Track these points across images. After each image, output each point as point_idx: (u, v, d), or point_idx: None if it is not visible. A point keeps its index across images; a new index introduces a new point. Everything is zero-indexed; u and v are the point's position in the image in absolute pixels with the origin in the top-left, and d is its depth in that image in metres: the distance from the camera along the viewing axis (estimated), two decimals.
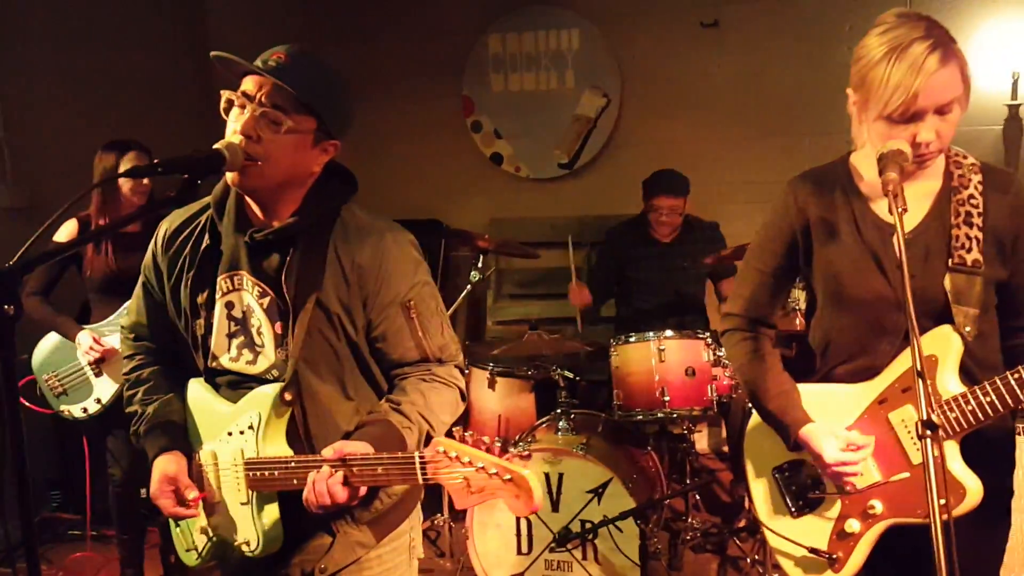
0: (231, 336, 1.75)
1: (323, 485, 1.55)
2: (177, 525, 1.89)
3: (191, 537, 1.86)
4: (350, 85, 1.71)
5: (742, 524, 3.73)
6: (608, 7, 5.01)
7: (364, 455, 1.56)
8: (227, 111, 1.63)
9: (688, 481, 3.74)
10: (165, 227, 1.82)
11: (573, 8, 5.05)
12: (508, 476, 1.43)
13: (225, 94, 1.62)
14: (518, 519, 3.22)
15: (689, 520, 3.73)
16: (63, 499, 4.43)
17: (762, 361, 1.92)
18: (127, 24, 4.93)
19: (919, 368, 1.40)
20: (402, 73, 5.39)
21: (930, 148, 1.63)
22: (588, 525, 3.11)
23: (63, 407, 3.43)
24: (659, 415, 3.44)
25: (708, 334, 3.53)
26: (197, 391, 1.82)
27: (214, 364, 1.77)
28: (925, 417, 1.37)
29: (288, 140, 1.60)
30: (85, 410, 3.39)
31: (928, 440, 1.36)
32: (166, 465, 1.75)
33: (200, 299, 1.74)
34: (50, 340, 3.44)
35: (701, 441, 4.84)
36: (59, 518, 4.36)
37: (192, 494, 1.74)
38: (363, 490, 1.59)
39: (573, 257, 4.18)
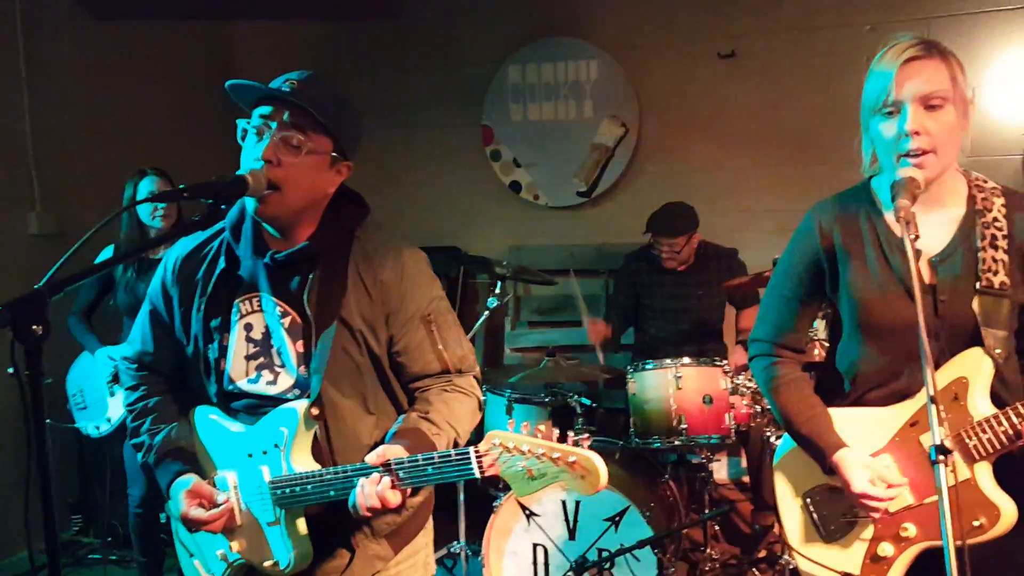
0: (250, 358, 1.77)
1: (372, 488, 1.58)
2: (192, 555, 1.90)
3: (208, 566, 1.87)
4: (361, 109, 1.76)
5: (762, 555, 3.70)
6: (625, 38, 5.07)
7: (411, 457, 1.59)
8: (243, 139, 1.67)
9: (707, 511, 3.71)
10: (175, 255, 1.84)
11: (591, 39, 5.11)
12: (572, 458, 1.46)
13: (242, 123, 1.67)
14: (535, 546, 3.22)
15: (708, 551, 3.70)
16: (84, 523, 4.48)
17: (791, 385, 1.92)
18: (155, 56, 5.06)
19: (931, 393, 1.41)
20: (423, 103, 5.48)
21: (920, 144, 1.64)
22: (605, 554, 3.11)
23: (81, 423, 3.53)
24: (676, 443, 3.42)
25: (726, 362, 3.52)
26: (207, 417, 1.84)
27: (231, 388, 1.79)
28: (937, 442, 1.37)
29: (308, 162, 1.65)
30: (97, 427, 3.49)
31: (942, 465, 1.36)
32: (183, 483, 1.77)
33: (215, 323, 1.76)
34: (84, 357, 3.57)
35: (720, 470, 4.81)
36: (80, 542, 4.40)
37: (221, 497, 1.76)
38: (408, 492, 1.63)
39: (580, 291, 4.14)
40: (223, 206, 1.56)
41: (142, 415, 1.89)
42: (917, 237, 1.53)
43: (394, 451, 1.61)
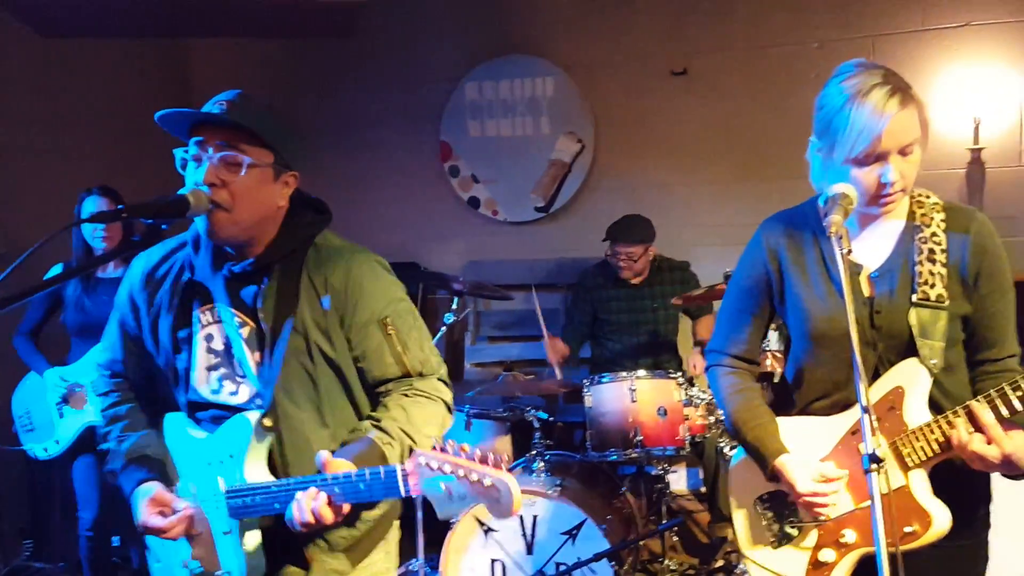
0: (211, 368, 1.78)
1: (308, 503, 1.57)
2: (159, 560, 1.90)
3: (172, 573, 1.86)
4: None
5: (719, 564, 3.73)
6: (580, 56, 5.13)
7: (345, 472, 1.58)
8: (183, 168, 1.67)
9: (664, 522, 3.74)
10: (142, 263, 1.85)
11: (547, 57, 5.17)
12: (488, 481, 1.44)
13: (180, 152, 1.67)
14: (493, 562, 3.22)
15: (666, 562, 3.72)
16: (35, 548, 4.38)
17: (742, 394, 1.97)
18: (108, 74, 5.00)
19: (865, 403, 1.45)
20: (382, 120, 5.48)
21: (895, 188, 1.69)
22: (563, 567, 3.12)
23: (29, 445, 3.47)
24: (632, 455, 3.45)
25: (680, 374, 3.56)
26: (174, 425, 1.85)
27: (195, 398, 1.80)
28: (870, 451, 1.41)
29: (251, 178, 1.65)
30: (46, 450, 3.44)
31: (874, 474, 1.40)
32: (146, 491, 1.77)
33: (181, 334, 1.78)
34: (31, 378, 3.50)
35: (679, 481, 4.84)
36: (31, 567, 4.30)
37: (180, 504, 1.76)
38: (347, 508, 1.61)
39: (539, 306, 4.11)
40: (164, 226, 1.56)
41: (112, 421, 1.90)
42: (850, 251, 1.58)
43: (335, 465, 1.60)
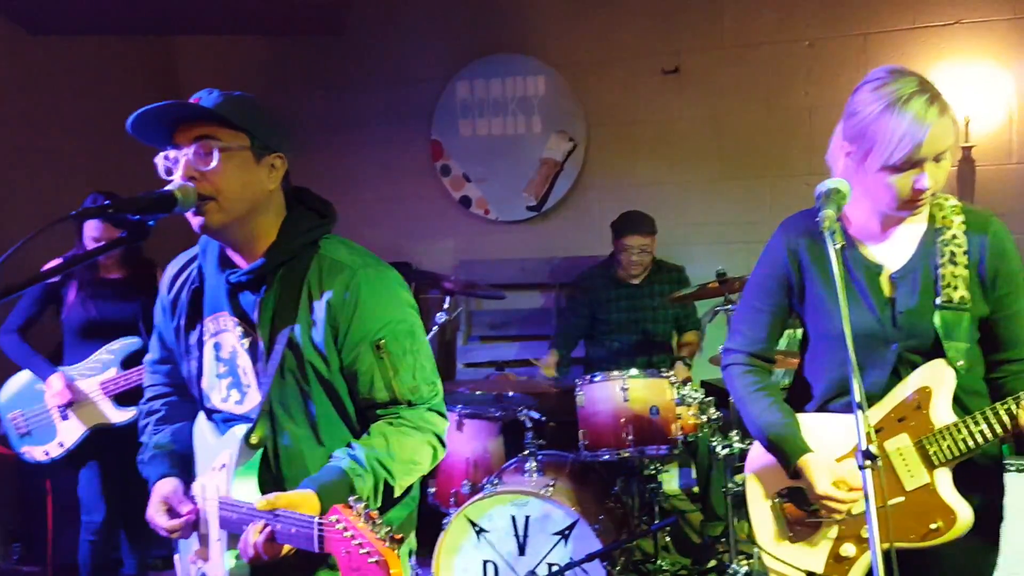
0: (221, 377, 1.77)
1: (253, 538, 1.52)
2: (178, 552, 1.90)
3: (184, 568, 1.87)
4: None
5: (711, 564, 3.73)
6: (572, 55, 5.13)
7: (272, 509, 1.51)
8: (170, 173, 1.63)
9: (657, 522, 3.73)
10: (170, 270, 1.87)
11: (537, 56, 5.17)
12: (375, 558, 1.34)
13: (159, 161, 1.64)
14: (485, 563, 3.20)
15: (658, 562, 3.71)
16: (24, 551, 4.34)
17: (762, 393, 1.99)
18: (94, 72, 4.97)
19: (859, 399, 1.44)
20: (372, 119, 5.46)
21: (926, 193, 1.71)
22: (555, 568, 3.10)
23: (25, 448, 3.38)
24: (624, 455, 3.44)
25: (672, 373, 3.55)
26: (200, 424, 1.85)
27: (208, 404, 1.79)
28: (864, 447, 1.40)
29: (227, 162, 1.60)
30: (47, 453, 3.35)
31: (867, 470, 1.40)
32: (161, 487, 1.78)
33: (192, 340, 1.78)
34: (20, 378, 3.42)
35: (671, 481, 4.83)
36: (20, 570, 4.26)
37: (185, 508, 1.74)
38: (285, 548, 1.54)
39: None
40: (151, 222, 1.54)
41: (148, 415, 1.94)
42: (844, 246, 1.58)
43: (287, 499, 1.53)
